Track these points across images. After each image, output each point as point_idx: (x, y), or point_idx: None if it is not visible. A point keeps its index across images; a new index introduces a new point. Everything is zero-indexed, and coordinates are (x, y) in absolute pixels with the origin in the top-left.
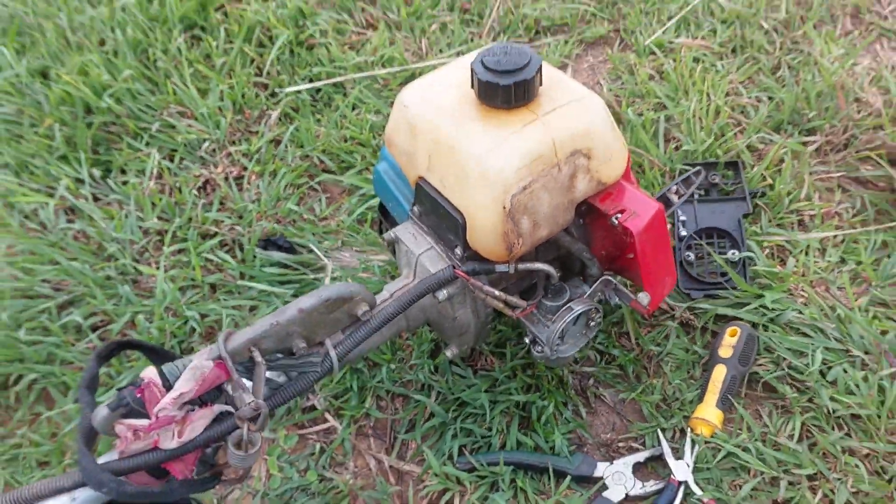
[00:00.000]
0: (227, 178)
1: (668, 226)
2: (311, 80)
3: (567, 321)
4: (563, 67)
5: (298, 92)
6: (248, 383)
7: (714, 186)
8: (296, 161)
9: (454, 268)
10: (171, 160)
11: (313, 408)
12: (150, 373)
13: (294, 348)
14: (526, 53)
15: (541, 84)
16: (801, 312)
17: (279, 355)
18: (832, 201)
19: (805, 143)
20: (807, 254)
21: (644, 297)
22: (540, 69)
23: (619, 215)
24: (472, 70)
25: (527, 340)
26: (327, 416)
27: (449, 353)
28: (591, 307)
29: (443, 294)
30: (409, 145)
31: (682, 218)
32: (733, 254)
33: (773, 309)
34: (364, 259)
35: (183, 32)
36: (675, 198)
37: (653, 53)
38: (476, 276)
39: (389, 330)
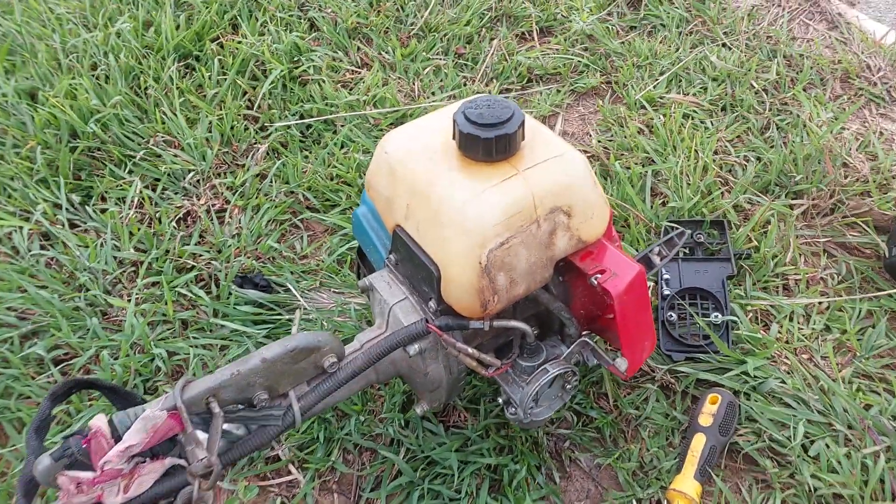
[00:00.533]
0: (208, 211)
1: (651, 284)
2: (301, 116)
3: (542, 383)
4: (553, 116)
5: (288, 127)
6: (204, 435)
7: (699, 245)
8: (280, 197)
9: (427, 322)
10: (154, 189)
11: (277, 458)
12: (98, 421)
13: (255, 399)
14: (509, 107)
15: (523, 138)
16: (783, 382)
17: (239, 406)
18: (817, 266)
19: (792, 206)
20: (791, 319)
21: (622, 363)
22: (522, 124)
23: (599, 276)
24: (454, 121)
25: (500, 401)
26: (291, 468)
27: (419, 410)
28: (568, 370)
29: (414, 349)
30: (389, 191)
31: (666, 276)
32: (716, 316)
33: (755, 376)
34: (341, 301)
35: (176, 61)
36: (657, 259)
37: (643, 107)
38: (449, 331)
39: (358, 383)
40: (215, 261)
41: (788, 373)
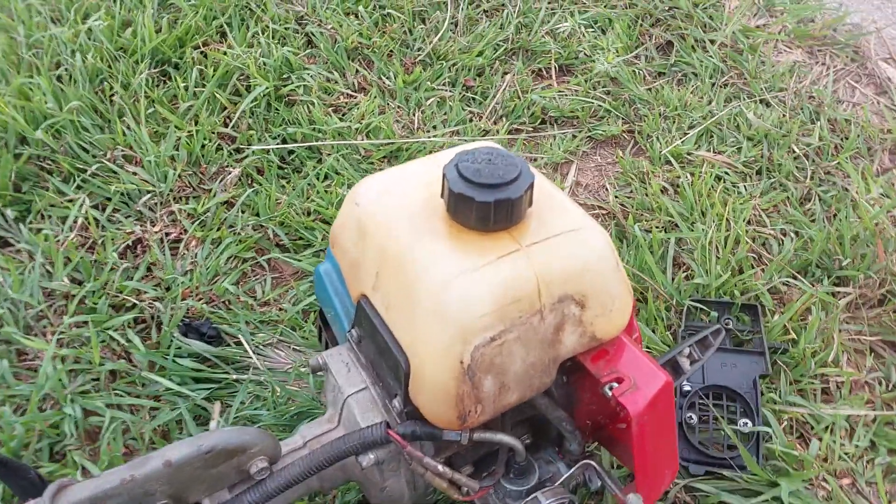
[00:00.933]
0: (162, 241)
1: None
2: (284, 140)
3: None
4: (567, 164)
5: (267, 151)
6: None
7: (727, 333)
8: (247, 230)
9: (388, 427)
10: (103, 210)
11: None
12: None
13: None
14: (515, 165)
15: (530, 204)
16: None
17: None
18: (862, 368)
19: (836, 294)
20: (832, 432)
21: (635, 501)
22: (531, 186)
23: (615, 385)
24: (444, 176)
25: None
26: None
27: None
28: (565, 500)
29: (368, 459)
30: (356, 252)
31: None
32: (745, 424)
33: None
34: (301, 362)
35: (151, 67)
36: (686, 363)
37: (669, 163)
38: (416, 440)
39: (295, 492)
40: (161, 300)
41: (828, 501)
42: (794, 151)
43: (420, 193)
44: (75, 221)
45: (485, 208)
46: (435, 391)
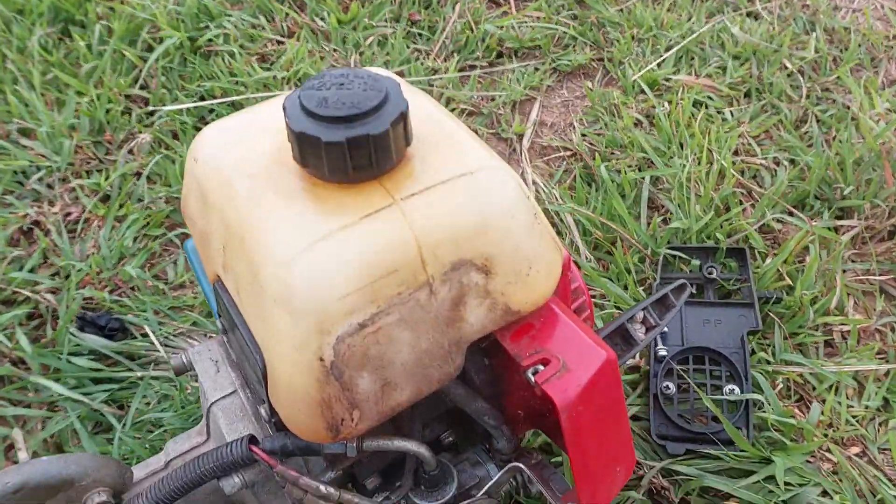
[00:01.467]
0: (60, 222)
1: (635, 359)
2: (201, 98)
3: None
4: (529, 102)
5: (181, 112)
6: None
7: (710, 283)
8: (157, 204)
9: (253, 442)
10: None
11: None
12: None
13: None
14: (379, 87)
15: (407, 143)
16: (827, 494)
17: None
18: (872, 313)
19: (838, 229)
20: (837, 392)
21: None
22: (403, 117)
23: (540, 368)
24: (283, 111)
25: None
26: None
27: None
28: None
29: (231, 484)
30: (203, 222)
31: (664, 329)
32: (732, 390)
33: (787, 485)
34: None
35: (50, 26)
36: (640, 331)
37: (643, 92)
38: (289, 457)
39: None
40: (57, 292)
41: (834, 475)
42: (786, 68)
43: (270, 142)
44: None
45: (336, 150)
46: (293, 397)
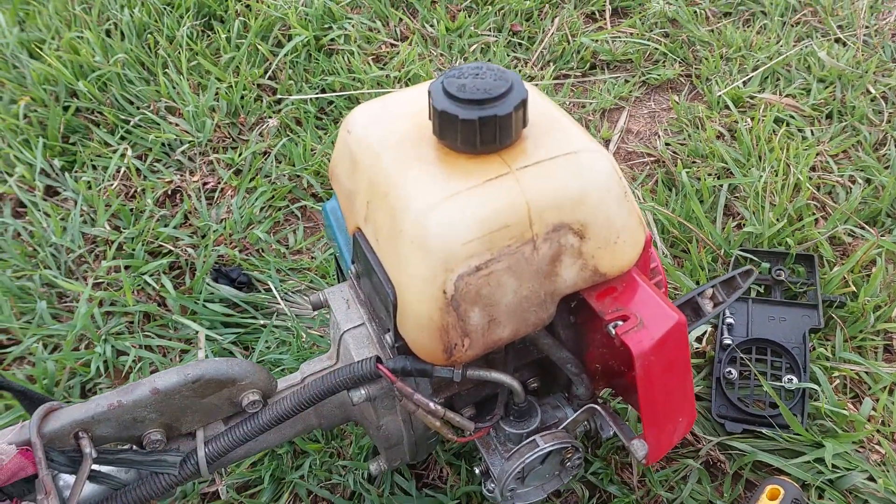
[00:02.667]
0: (199, 190)
1: (708, 330)
2: (322, 91)
3: (528, 460)
4: (617, 111)
5: (305, 101)
6: (71, 479)
7: (778, 284)
8: (282, 180)
9: (378, 362)
10: (144, 160)
11: (216, 496)
12: None
13: (144, 439)
14: (506, 79)
15: (524, 124)
16: (872, 479)
17: (123, 446)
18: None
19: None
20: (891, 393)
21: (640, 446)
22: (524, 103)
23: (620, 323)
24: (429, 94)
25: (477, 471)
26: None
27: (373, 468)
28: (566, 445)
29: (359, 394)
30: (350, 184)
31: (730, 320)
32: (790, 380)
33: (834, 467)
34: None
35: (195, 19)
36: (708, 305)
37: (727, 107)
38: (406, 377)
39: (292, 428)
40: (195, 247)
41: (881, 465)
42: (870, 92)
43: (412, 119)
44: (118, 171)
45: (469, 126)
46: (419, 322)
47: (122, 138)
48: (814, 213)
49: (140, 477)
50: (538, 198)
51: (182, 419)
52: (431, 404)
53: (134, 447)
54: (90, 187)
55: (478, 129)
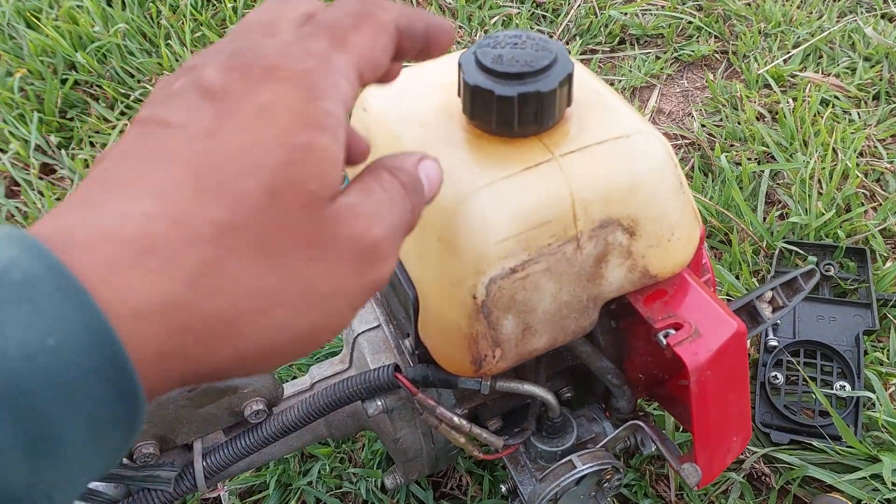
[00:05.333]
0: None
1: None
2: None
3: (564, 483)
4: (648, 89)
5: None
6: None
7: (827, 280)
8: None
9: (396, 370)
10: None
11: (218, 502)
12: None
13: (136, 453)
14: (549, 49)
15: (569, 103)
16: None
17: None
18: None
19: None
20: None
21: (692, 473)
22: (569, 78)
23: (671, 331)
24: (458, 66)
25: (503, 489)
26: None
27: (388, 482)
28: (608, 465)
29: (375, 406)
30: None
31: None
32: (843, 387)
33: (893, 485)
34: None
35: None
36: (767, 310)
37: (767, 86)
38: (429, 387)
39: (300, 439)
40: None
41: None
42: None
43: (438, 95)
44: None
45: (507, 105)
46: (444, 330)
47: (122, 114)
48: (863, 203)
49: (130, 493)
50: (584, 189)
51: (177, 430)
52: (456, 419)
53: (124, 461)
54: (87, 165)
55: (516, 108)
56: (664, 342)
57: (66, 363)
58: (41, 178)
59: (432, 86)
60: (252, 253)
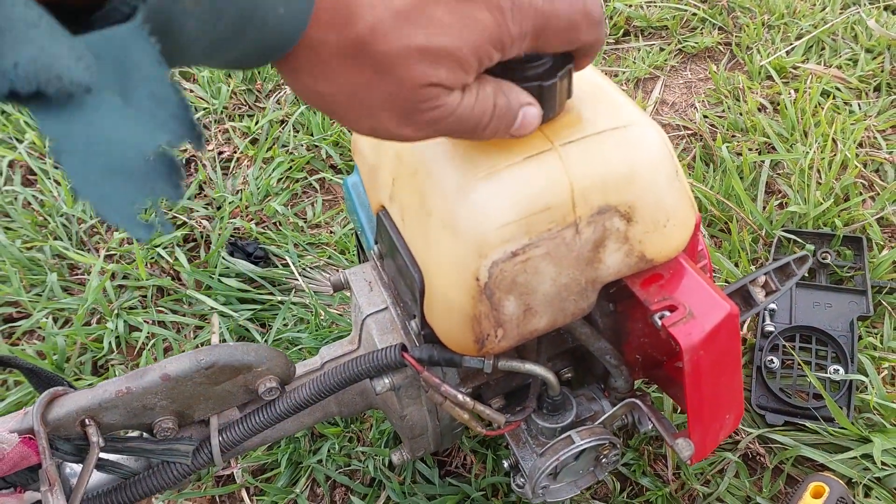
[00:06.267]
0: (215, 159)
1: (749, 321)
2: None
3: (563, 457)
4: (652, 80)
5: None
6: (78, 468)
7: (824, 268)
8: (300, 150)
9: (403, 350)
10: None
11: (231, 479)
12: None
13: (155, 427)
14: None
15: (569, 95)
16: None
17: (132, 434)
18: None
19: None
20: None
21: (685, 445)
22: (570, 72)
23: (666, 313)
24: None
25: (506, 464)
26: (244, 495)
27: (395, 458)
28: (605, 441)
29: (383, 384)
30: (374, 158)
31: (772, 306)
32: (836, 371)
33: (882, 464)
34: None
35: None
36: (760, 294)
37: (769, 78)
38: (434, 366)
39: (311, 416)
40: (210, 219)
41: None
42: None
43: None
44: None
45: None
46: (448, 311)
47: None
48: (861, 193)
49: (150, 466)
50: (583, 177)
51: (195, 406)
52: (460, 396)
53: (144, 434)
54: None
55: None
56: (659, 323)
57: None
58: (57, 167)
59: None
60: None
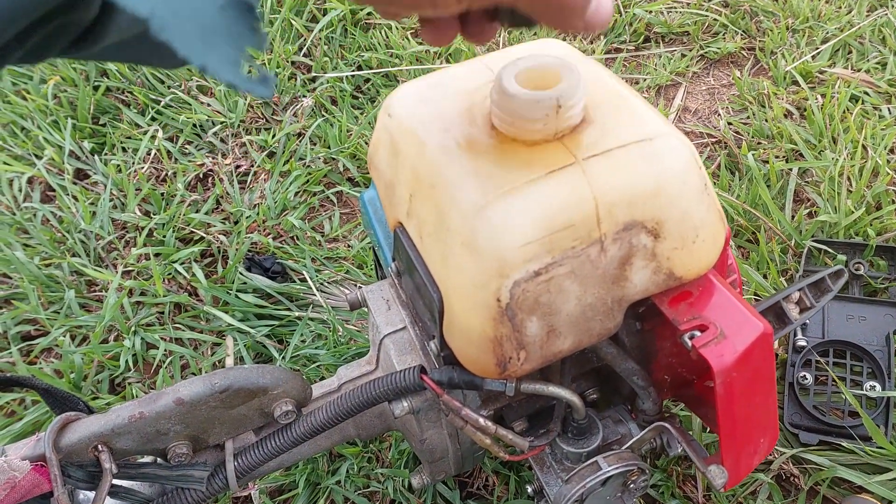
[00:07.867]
0: (232, 173)
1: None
2: (359, 67)
3: (590, 484)
4: (674, 87)
5: (340, 79)
6: (91, 495)
7: (857, 279)
8: (317, 163)
9: (422, 372)
10: (175, 142)
11: (249, 501)
12: None
13: (169, 453)
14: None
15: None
16: None
17: (146, 460)
18: None
19: None
20: None
21: (718, 474)
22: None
23: (697, 333)
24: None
25: (529, 490)
26: None
27: (415, 482)
28: (633, 467)
29: (402, 407)
30: (390, 173)
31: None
32: (873, 387)
33: None
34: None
35: None
36: (794, 311)
37: (795, 83)
38: (454, 389)
39: (328, 439)
40: (227, 234)
41: None
42: None
43: (461, 101)
44: (148, 153)
45: None
46: (468, 333)
47: (153, 119)
48: (894, 201)
49: (164, 492)
50: (608, 192)
51: (209, 431)
52: (481, 420)
53: (158, 460)
54: (120, 170)
55: None
56: (689, 344)
57: None
58: (75, 183)
59: (455, 91)
60: None
